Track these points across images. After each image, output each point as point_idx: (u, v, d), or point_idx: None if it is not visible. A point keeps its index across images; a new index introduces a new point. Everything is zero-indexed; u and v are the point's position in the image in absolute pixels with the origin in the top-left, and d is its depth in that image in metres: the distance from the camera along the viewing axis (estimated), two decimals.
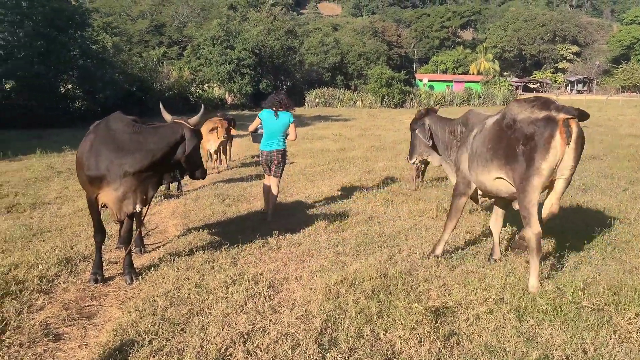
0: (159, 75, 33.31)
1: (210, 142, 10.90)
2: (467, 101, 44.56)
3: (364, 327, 3.63)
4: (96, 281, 4.81)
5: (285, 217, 7.30)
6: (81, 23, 24.12)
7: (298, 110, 38.31)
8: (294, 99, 42.46)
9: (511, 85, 63.03)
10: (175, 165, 4.84)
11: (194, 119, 4.81)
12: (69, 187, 9.60)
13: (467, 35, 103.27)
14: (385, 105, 39.68)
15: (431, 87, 63.14)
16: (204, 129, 10.07)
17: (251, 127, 7.47)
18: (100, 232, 4.96)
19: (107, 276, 5.00)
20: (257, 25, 41.11)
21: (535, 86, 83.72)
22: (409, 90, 42.52)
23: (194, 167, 4.91)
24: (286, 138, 7.12)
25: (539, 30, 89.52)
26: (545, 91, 77.56)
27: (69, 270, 5.09)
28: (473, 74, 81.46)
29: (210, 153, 11.33)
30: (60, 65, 23.12)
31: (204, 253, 5.48)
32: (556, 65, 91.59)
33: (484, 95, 46.07)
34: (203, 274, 4.86)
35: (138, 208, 4.73)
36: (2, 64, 21.69)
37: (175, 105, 31.92)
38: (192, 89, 36.90)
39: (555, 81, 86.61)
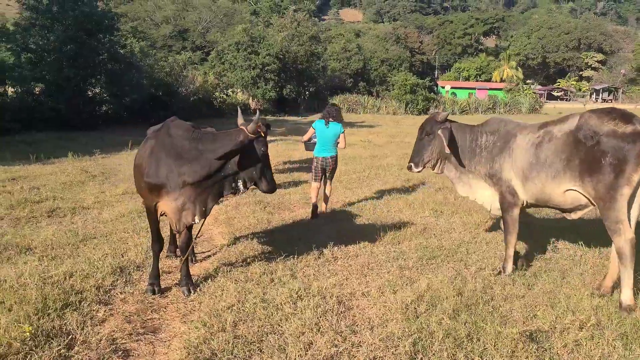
0: (184, 79, 33.46)
1: None
2: (492, 109, 43.99)
3: (456, 352, 3.37)
4: (154, 292, 4.63)
5: (334, 226, 7.09)
6: (109, 27, 24.27)
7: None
8: (316, 105, 42.63)
9: (535, 93, 62.24)
10: (235, 174, 4.60)
11: (251, 126, 4.55)
12: (106, 191, 9.52)
13: (490, 42, 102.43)
14: (409, 112, 39.35)
15: (454, 94, 62.56)
16: None
17: (305, 137, 8.06)
18: (158, 242, 4.77)
19: (162, 286, 4.81)
20: (281, 31, 41.26)
21: (559, 94, 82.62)
22: (433, 97, 42.16)
23: (259, 177, 4.65)
24: (337, 146, 7.80)
25: (563, 38, 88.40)
26: (570, 99, 76.50)
27: (124, 280, 4.92)
28: (496, 82, 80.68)
29: None
30: (89, 69, 23.28)
31: (259, 264, 5.28)
32: (581, 73, 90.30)
33: (510, 103, 45.41)
34: (264, 287, 4.64)
35: (197, 220, 4.52)
36: (32, 68, 21.90)
37: (199, 110, 32.15)
38: (217, 93, 37.04)
39: (580, 89, 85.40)
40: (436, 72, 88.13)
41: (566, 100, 76.43)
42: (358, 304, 4.32)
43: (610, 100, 77.68)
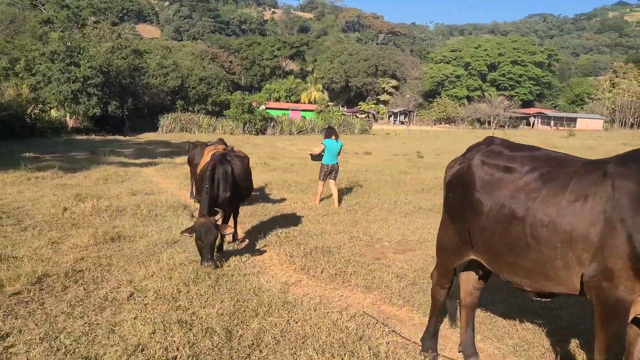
0: None
1: None
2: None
3: None
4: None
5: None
6: None
7: (151, 136, 39.23)
8: (140, 124, 42.81)
9: (343, 114, 70.86)
10: None
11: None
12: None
13: (295, 65, 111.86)
14: (247, 131, 42.39)
15: (284, 114, 67.46)
16: (207, 157, 11.03)
17: (317, 151, 11.41)
18: None
19: None
20: (101, 42, 41.07)
21: (362, 116, 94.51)
22: (271, 117, 45.92)
23: None
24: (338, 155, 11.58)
25: (362, 64, 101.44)
26: (377, 120, 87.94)
27: None
28: (304, 103, 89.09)
29: None
30: None
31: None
32: (378, 97, 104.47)
33: (343, 123, 50.93)
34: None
35: None
36: None
37: (11, 128, 30.52)
38: (30, 109, 35.36)
39: (379, 112, 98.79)
40: (245, 92, 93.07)
41: (375, 121, 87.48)
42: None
43: (406, 122, 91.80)
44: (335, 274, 6.24)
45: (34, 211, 9.91)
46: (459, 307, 4.39)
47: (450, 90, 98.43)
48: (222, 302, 5.16)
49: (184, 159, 22.37)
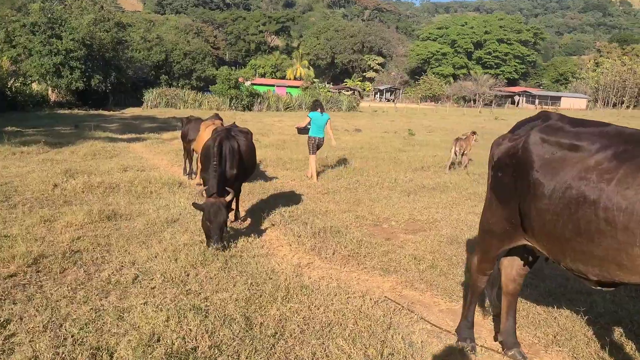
0: None
1: None
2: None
3: None
4: None
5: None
6: None
7: (136, 111, 38.38)
8: (123, 99, 42.08)
9: (329, 91, 70.26)
10: None
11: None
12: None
13: (280, 41, 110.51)
14: (233, 107, 41.70)
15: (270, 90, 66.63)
16: (204, 135, 9.78)
17: (303, 124, 11.25)
18: None
19: None
20: (83, 14, 39.76)
21: (348, 93, 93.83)
22: (258, 93, 45.20)
23: None
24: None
25: (349, 41, 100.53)
26: (363, 98, 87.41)
27: None
28: (290, 79, 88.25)
29: None
30: None
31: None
32: (364, 74, 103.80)
33: (330, 100, 50.41)
34: None
35: None
36: None
37: None
38: (11, 82, 34.37)
39: (364, 89, 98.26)
40: (232, 68, 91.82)
41: (361, 98, 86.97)
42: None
43: (393, 99, 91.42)
44: (348, 255, 5.97)
45: (22, 187, 9.47)
46: (493, 295, 4.13)
47: (437, 68, 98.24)
48: (234, 285, 4.86)
49: (171, 134, 22.04)
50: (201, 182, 11.27)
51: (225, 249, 5.83)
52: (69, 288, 4.85)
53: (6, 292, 4.73)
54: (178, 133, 22.41)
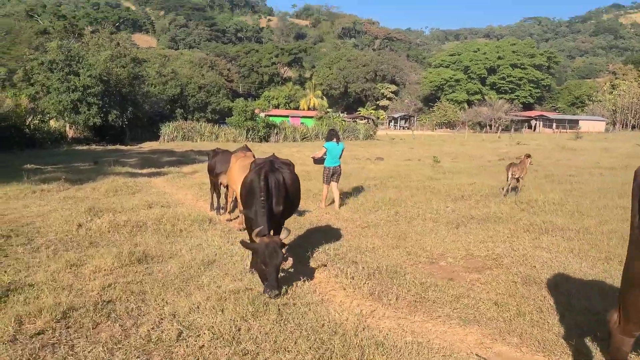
0: None
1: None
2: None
3: None
4: None
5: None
6: None
7: (153, 145, 38.19)
8: (143, 133, 42.03)
9: (344, 120, 70.09)
10: None
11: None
12: None
13: (294, 72, 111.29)
14: (250, 139, 41.46)
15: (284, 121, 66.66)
16: (236, 167, 9.01)
17: (319, 154, 11.10)
18: None
19: None
20: (100, 50, 40.09)
21: (363, 122, 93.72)
22: (274, 124, 45.01)
23: None
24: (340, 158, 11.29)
25: (361, 70, 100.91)
26: (377, 126, 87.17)
27: None
28: (304, 109, 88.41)
29: None
30: None
31: None
32: (377, 102, 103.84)
33: (347, 129, 50.23)
34: None
35: None
36: None
37: (9, 139, 29.64)
38: (29, 120, 34.44)
39: (378, 117, 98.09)
40: (248, 99, 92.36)
41: (375, 126, 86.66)
42: None
43: (407, 127, 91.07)
44: (415, 300, 5.28)
45: (45, 228, 8.95)
46: None
47: (450, 95, 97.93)
48: (295, 343, 4.19)
49: (192, 167, 21.63)
50: (230, 217, 10.76)
51: (280, 296, 5.18)
52: (105, 348, 4.22)
53: (34, 355, 4.11)
54: (198, 166, 22.34)
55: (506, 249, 7.16)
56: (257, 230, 5.30)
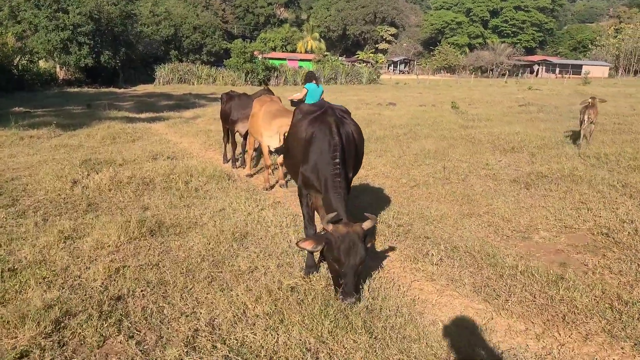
0: None
1: (272, 137, 7.54)
2: (334, 79, 45.90)
3: None
4: None
5: None
6: None
7: (149, 88, 36.09)
8: (134, 75, 39.96)
9: (342, 63, 67.53)
10: None
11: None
12: None
13: (290, 14, 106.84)
14: (249, 82, 39.24)
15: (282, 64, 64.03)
16: (261, 114, 7.76)
17: (300, 95, 9.49)
18: None
19: None
20: None
21: (361, 65, 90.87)
22: (274, 67, 42.66)
23: None
24: None
25: (360, 11, 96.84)
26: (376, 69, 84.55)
27: None
28: (301, 52, 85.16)
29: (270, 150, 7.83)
30: None
31: None
32: (376, 45, 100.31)
33: (350, 73, 48.00)
34: None
35: None
36: None
37: None
38: (17, 60, 32.15)
39: (377, 61, 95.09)
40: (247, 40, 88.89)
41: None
42: None
43: (407, 71, 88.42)
44: (546, 304, 3.77)
45: (33, 185, 7.43)
46: None
47: (451, 38, 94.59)
48: None
49: (193, 112, 19.88)
50: (251, 172, 9.19)
51: (359, 301, 3.66)
52: None
53: None
54: (199, 111, 20.57)
55: (612, 219, 5.66)
56: (329, 215, 3.64)
